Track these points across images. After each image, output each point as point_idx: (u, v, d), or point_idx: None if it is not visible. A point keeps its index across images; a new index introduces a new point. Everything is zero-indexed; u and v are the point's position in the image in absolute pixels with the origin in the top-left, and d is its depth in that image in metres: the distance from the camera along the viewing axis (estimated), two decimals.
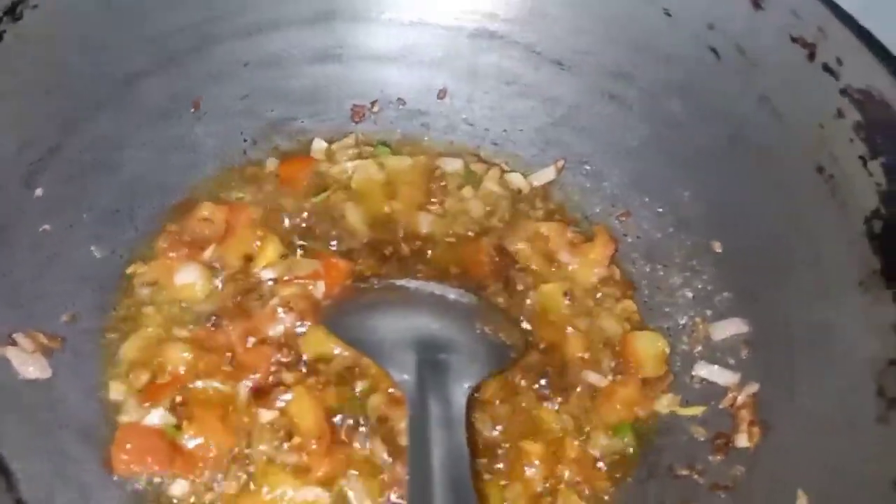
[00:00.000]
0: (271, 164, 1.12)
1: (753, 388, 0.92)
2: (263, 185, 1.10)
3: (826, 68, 0.89)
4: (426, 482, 0.76)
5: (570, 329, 1.01)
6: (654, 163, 1.08)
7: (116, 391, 0.92)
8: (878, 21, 0.92)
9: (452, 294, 1.00)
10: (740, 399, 0.92)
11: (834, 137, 0.88)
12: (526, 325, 1.01)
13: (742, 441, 0.89)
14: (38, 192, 0.94)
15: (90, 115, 0.99)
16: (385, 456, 0.90)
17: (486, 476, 0.91)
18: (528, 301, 1.03)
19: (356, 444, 0.91)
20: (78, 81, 0.98)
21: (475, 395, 0.93)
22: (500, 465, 0.92)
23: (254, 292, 0.99)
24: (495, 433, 0.94)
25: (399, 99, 1.18)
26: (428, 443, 0.80)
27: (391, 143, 1.17)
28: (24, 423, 0.84)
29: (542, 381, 0.97)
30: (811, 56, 0.91)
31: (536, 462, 0.91)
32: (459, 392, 0.87)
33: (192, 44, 1.07)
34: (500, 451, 0.93)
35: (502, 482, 0.91)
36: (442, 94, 1.17)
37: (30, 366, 0.86)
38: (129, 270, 1.00)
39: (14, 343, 0.87)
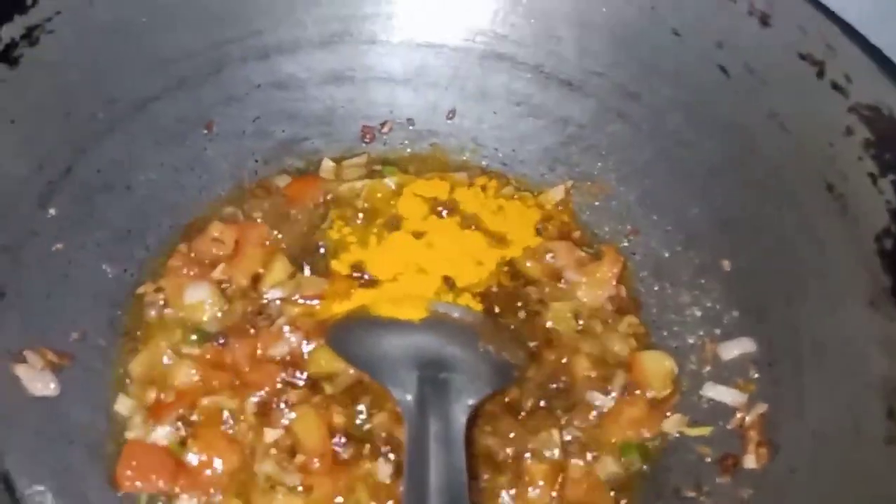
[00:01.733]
0: (282, 183, 1.13)
1: (762, 408, 0.90)
2: (273, 205, 1.10)
3: (835, 86, 0.89)
4: (422, 500, 0.76)
5: (577, 348, 1.00)
6: (663, 181, 1.07)
7: (124, 408, 0.93)
8: (888, 38, 0.91)
9: (457, 312, 1.00)
10: (748, 419, 0.90)
11: (843, 155, 0.88)
12: (533, 344, 1.00)
13: (750, 462, 0.87)
14: (52, 212, 0.96)
15: (103, 138, 1.01)
16: (388, 474, 0.89)
17: (489, 495, 0.90)
18: (537, 319, 1.02)
19: (359, 463, 0.90)
20: (92, 105, 1.00)
21: (478, 412, 0.92)
22: (504, 485, 0.91)
23: (261, 311, 1.00)
24: (498, 453, 0.93)
25: (409, 119, 1.18)
26: (426, 460, 0.79)
27: (400, 162, 1.17)
28: (31, 439, 0.85)
29: (549, 401, 0.96)
30: (820, 73, 0.90)
31: (541, 483, 0.90)
32: (460, 410, 0.86)
33: (206, 67, 1.09)
34: (503, 471, 0.91)
35: (506, 503, 0.90)
36: (451, 114, 1.18)
37: (38, 382, 0.87)
38: (140, 289, 1.01)
39: (23, 360, 0.88)
